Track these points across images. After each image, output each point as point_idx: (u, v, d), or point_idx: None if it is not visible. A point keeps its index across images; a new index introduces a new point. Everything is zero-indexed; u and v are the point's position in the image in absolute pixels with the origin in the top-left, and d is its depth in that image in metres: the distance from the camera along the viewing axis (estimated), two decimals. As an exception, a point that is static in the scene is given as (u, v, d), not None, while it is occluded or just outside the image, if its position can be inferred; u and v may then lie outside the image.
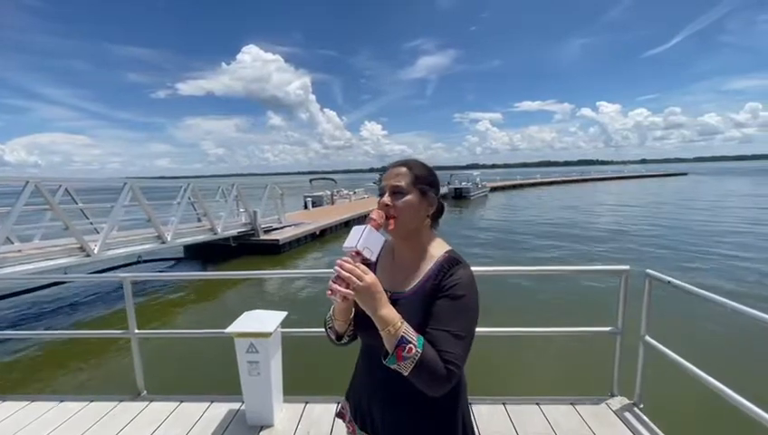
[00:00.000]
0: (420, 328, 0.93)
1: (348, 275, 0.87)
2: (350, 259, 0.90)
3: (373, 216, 0.97)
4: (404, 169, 1.04)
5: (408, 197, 1.01)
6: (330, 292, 0.88)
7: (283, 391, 2.60)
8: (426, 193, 1.04)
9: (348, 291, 0.87)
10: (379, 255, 1.15)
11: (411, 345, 0.87)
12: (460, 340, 0.91)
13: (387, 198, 1.01)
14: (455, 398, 1.04)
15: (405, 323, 0.90)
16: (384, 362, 0.90)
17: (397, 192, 1.01)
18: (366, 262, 0.92)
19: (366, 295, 0.88)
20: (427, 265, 1.02)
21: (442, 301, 0.95)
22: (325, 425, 2.43)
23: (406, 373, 0.87)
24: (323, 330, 1.17)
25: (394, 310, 0.91)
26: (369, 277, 0.89)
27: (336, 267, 0.89)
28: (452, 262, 1.00)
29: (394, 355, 0.87)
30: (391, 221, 1.00)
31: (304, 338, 2.81)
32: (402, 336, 0.87)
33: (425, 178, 1.05)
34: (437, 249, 1.05)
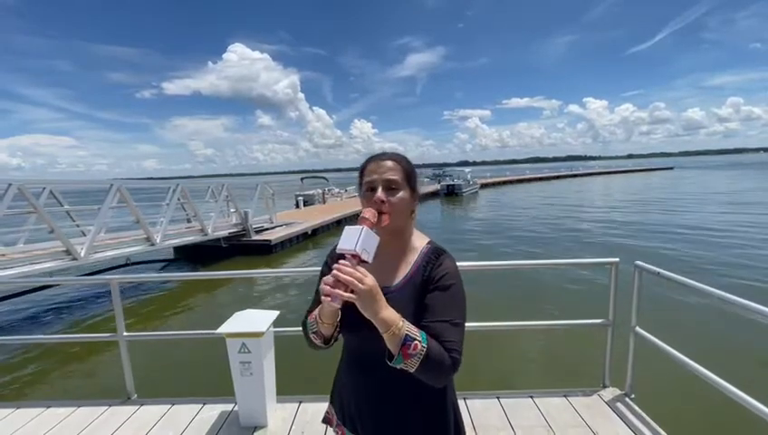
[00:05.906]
0: (413, 320, 0.93)
1: (349, 278, 0.83)
2: (347, 262, 0.86)
3: (366, 215, 0.93)
4: (394, 163, 1.02)
5: (402, 193, 1.00)
6: (328, 297, 0.83)
7: (277, 391, 2.58)
8: (414, 189, 1.04)
9: (350, 295, 0.83)
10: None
11: (417, 342, 0.87)
12: (458, 327, 0.93)
13: (382, 194, 0.97)
14: (444, 391, 1.04)
15: (405, 321, 0.89)
16: (390, 364, 0.88)
17: (392, 187, 0.99)
18: (362, 264, 0.88)
19: (368, 299, 0.84)
20: (412, 258, 1.02)
21: (435, 293, 0.95)
22: (319, 425, 2.41)
23: (412, 370, 0.87)
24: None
25: (393, 310, 0.89)
26: (370, 280, 0.85)
27: (335, 271, 0.84)
28: (437, 252, 1.01)
29: (400, 355, 0.86)
30: (385, 217, 0.96)
31: (297, 337, 2.76)
32: (406, 335, 0.87)
33: (412, 172, 1.05)
34: (419, 241, 1.06)
